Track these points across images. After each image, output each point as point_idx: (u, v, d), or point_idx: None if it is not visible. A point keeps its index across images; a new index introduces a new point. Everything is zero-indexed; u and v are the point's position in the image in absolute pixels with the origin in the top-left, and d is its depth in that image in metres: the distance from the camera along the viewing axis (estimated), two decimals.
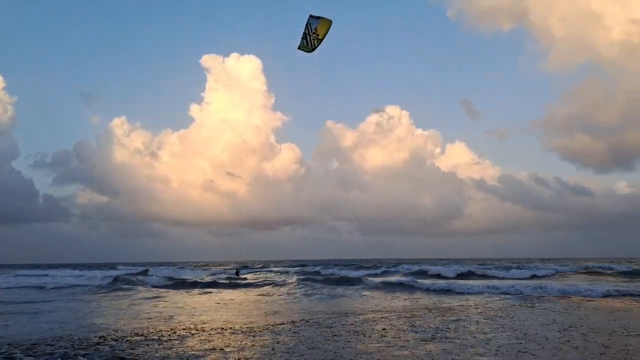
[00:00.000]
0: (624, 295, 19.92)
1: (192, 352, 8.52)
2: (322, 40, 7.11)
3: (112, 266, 68.61)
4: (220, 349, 8.82)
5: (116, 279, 34.30)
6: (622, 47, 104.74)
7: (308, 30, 7.20)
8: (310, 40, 7.20)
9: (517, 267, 43.91)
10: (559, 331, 10.75)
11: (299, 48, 7.20)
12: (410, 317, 13.56)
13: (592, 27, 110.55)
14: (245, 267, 62.14)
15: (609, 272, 38.28)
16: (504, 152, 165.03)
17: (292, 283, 29.47)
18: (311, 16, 7.21)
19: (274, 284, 30.13)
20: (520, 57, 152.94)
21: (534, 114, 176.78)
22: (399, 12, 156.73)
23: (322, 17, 7.27)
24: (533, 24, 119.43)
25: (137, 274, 43.83)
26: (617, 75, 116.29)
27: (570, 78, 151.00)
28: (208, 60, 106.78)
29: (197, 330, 11.32)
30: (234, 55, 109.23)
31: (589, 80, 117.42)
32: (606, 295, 19.80)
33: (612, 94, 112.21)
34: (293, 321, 12.86)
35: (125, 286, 29.97)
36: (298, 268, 54.90)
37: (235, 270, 43.48)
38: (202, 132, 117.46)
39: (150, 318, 14.21)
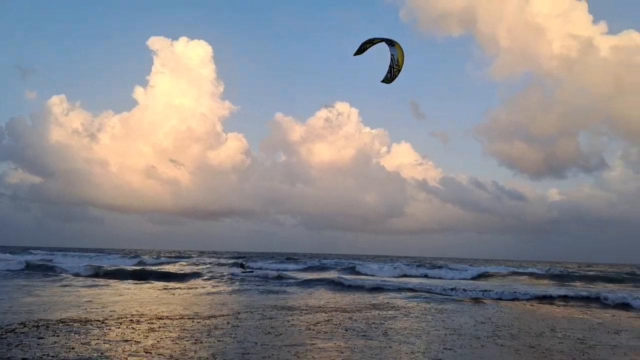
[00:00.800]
0: (552, 297, 20.43)
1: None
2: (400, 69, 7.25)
3: (30, 250, 63.69)
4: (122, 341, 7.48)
5: (28, 265, 32.31)
6: (561, 60, 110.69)
7: (392, 62, 7.35)
8: (393, 72, 7.31)
9: (448, 267, 44.68)
10: (486, 330, 10.39)
11: (382, 81, 7.29)
12: (330, 314, 12.81)
13: (535, 40, 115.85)
14: (180, 257, 59.66)
15: (538, 274, 39.58)
16: (447, 155, 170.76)
17: (214, 277, 28.27)
18: (388, 43, 7.20)
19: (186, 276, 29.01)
20: (468, 63, 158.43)
21: (478, 119, 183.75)
22: (354, 9, 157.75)
23: (396, 43, 7.44)
24: (481, 32, 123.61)
25: (50, 260, 40.94)
26: (555, 87, 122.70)
27: (513, 87, 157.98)
28: (155, 42, 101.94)
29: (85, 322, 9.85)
30: (183, 39, 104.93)
31: (530, 90, 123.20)
32: (536, 297, 20.17)
33: (549, 105, 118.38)
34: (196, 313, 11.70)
35: (33, 272, 27.59)
36: (232, 261, 53.35)
37: (240, 263, 39.66)
38: (146, 116, 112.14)
39: (47, 308, 12.52)
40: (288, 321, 11.76)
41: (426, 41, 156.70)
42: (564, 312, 16.57)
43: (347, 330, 10.53)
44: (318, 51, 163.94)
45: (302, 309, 14.49)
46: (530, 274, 38.28)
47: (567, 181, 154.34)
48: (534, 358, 8.39)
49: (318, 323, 11.50)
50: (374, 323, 11.86)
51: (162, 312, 12.89)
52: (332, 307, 15.26)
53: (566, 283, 32.74)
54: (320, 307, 15.35)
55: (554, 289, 24.66)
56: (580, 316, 15.34)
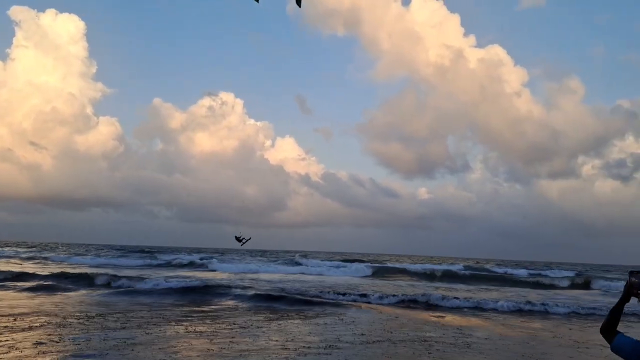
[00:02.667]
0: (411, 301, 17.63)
1: None
2: None
3: None
4: None
5: None
6: (435, 68, 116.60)
7: None
8: None
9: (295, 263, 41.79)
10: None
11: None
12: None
13: (413, 47, 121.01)
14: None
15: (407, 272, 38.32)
16: (329, 151, 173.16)
17: None
18: None
19: None
20: (351, 63, 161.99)
21: (359, 118, 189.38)
22: None
23: None
24: (365, 35, 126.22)
25: None
26: (429, 92, 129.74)
27: (391, 89, 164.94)
28: (18, 12, 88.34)
29: None
30: (51, 11, 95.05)
31: (406, 94, 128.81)
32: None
33: (423, 109, 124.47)
34: None
35: None
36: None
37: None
38: (3, 93, 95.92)
39: None
40: None
41: (312, 37, 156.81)
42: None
43: None
44: (202, 37, 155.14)
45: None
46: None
47: (435, 181, 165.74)
48: None
49: None
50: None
51: None
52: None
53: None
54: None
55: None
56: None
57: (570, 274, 40.43)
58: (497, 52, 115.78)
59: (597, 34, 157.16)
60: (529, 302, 17.23)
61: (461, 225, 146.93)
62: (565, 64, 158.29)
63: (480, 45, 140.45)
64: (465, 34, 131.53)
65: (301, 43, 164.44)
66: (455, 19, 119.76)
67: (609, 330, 2.59)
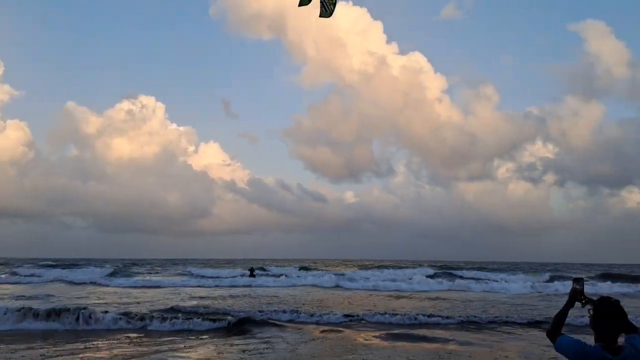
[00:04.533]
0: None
1: None
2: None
3: None
4: None
5: None
6: (360, 74, 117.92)
7: None
8: (327, 4, 5.53)
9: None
10: None
11: (321, 16, 5.56)
12: None
13: (338, 53, 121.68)
14: None
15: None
16: (255, 156, 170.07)
17: None
18: None
19: None
20: (277, 67, 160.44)
21: (285, 123, 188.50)
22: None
23: None
24: (290, 40, 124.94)
25: None
26: (354, 98, 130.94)
27: (318, 94, 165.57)
28: None
29: None
30: None
31: (332, 99, 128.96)
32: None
33: (349, 114, 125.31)
34: None
35: None
36: None
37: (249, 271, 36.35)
38: None
39: None
40: None
41: (237, 41, 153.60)
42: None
43: None
44: (122, 38, 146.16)
45: None
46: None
47: (362, 185, 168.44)
48: None
49: None
50: None
51: None
52: None
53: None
54: None
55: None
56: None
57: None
58: (418, 59, 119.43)
59: (508, 44, 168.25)
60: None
61: (387, 228, 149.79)
62: (481, 72, 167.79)
63: (402, 52, 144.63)
64: (388, 41, 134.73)
65: (226, 47, 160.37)
66: (378, 26, 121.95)
67: (553, 333, 2.92)
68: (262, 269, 43.47)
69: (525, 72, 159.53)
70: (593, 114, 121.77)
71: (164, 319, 13.28)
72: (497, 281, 31.61)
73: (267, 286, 28.26)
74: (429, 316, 14.55)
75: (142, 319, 13.33)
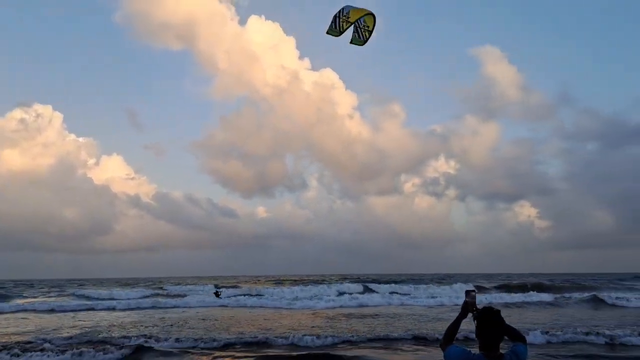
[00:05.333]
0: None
1: None
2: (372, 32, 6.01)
3: None
4: None
5: None
6: (273, 88, 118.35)
7: (359, 23, 5.94)
8: (362, 32, 5.99)
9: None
10: None
11: (352, 42, 6.08)
12: None
13: (251, 66, 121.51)
14: None
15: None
16: (162, 170, 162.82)
17: None
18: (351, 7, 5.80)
19: None
20: (187, 78, 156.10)
21: (195, 135, 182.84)
22: (62, 3, 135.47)
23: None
24: (200, 51, 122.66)
25: None
26: (267, 111, 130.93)
27: (230, 107, 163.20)
28: None
29: None
30: None
31: (245, 112, 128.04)
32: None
33: (262, 128, 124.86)
34: None
35: None
36: None
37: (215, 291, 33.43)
38: None
39: None
40: None
41: (144, 49, 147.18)
42: None
43: None
44: (15, 39, 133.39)
45: None
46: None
47: (274, 200, 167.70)
48: None
49: None
50: None
51: None
52: None
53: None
54: None
55: None
56: None
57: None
58: (329, 76, 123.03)
59: (415, 65, 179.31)
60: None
61: (299, 242, 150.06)
62: (389, 90, 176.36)
63: (314, 68, 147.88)
64: (301, 57, 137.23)
65: (132, 55, 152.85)
66: (291, 41, 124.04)
67: (445, 343, 3.03)
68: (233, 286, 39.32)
69: (429, 92, 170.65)
70: (490, 133, 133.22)
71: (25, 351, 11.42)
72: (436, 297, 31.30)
73: (179, 307, 26.50)
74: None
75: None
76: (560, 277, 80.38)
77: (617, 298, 26.82)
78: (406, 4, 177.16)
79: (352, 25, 6.12)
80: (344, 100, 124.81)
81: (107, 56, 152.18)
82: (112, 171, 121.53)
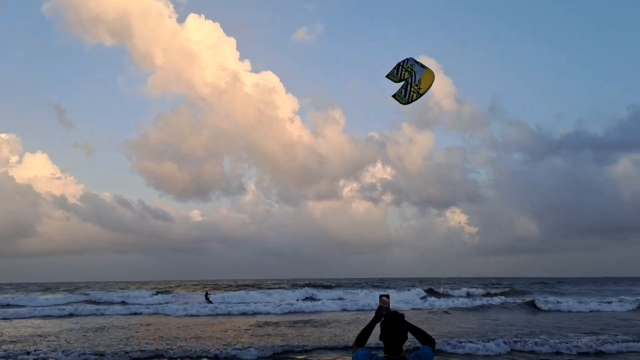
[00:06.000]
0: None
1: None
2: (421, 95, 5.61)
3: None
4: None
5: None
6: (212, 88, 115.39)
7: (411, 79, 5.56)
8: (410, 92, 5.57)
9: None
10: None
11: (393, 96, 5.58)
12: None
13: (189, 65, 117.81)
14: None
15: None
16: (91, 169, 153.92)
17: None
18: (415, 61, 5.52)
19: None
20: (122, 75, 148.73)
21: (128, 134, 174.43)
22: None
23: (428, 68, 5.63)
24: (136, 48, 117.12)
25: None
26: (206, 112, 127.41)
27: (166, 106, 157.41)
28: None
29: None
30: None
31: (182, 112, 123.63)
32: None
33: (199, 128, 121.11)
34: None
35: None
36: None
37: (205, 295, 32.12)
38: None
39: None
40: None
41: (75, 44, 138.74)
42: None
43: None
44: None
45: None
46: None
47: (210, 203, 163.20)
48: None
49: None
50: None
51: None
52: None
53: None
54: None
55: None
56: None
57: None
58: (271, 78, 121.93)
59: (354, 71, 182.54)
60: None
61: (235, 247, 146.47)
62: (330, 95, 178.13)
63: (255, 70, 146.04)
64: (241, 58, 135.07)
65: (61, 49, 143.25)
66: (232, 42, 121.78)
67: (355, 345, 3.20)
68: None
69: (369, 99, 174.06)
70: (425, 142, 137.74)
71: None
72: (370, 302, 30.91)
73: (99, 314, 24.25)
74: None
75: None
76: (487, 280, 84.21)
77: (549, 302, 27.59)
78: (348, 11, 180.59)
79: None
80: (285, 103, 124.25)
81: (34, 49, 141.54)
82: (37, 170, 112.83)
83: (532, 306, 26.96)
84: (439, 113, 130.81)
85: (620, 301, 28.39)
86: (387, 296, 3.32)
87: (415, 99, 5.84)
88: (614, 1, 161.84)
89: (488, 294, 38.90)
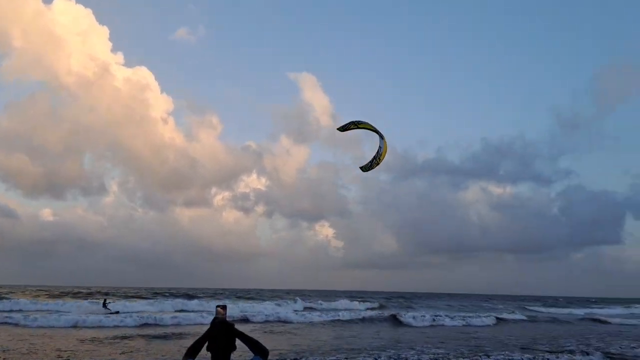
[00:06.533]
0: None
1: None
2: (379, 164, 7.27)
3: None
4: None
5: None
6: (78, 77, 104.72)
7: (377, 154, 7.26)
8: (373, 163, 7.25)
9: None
10: None
11: (360, 168, 7.27)
12: None
13: (53, 50, 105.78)
14: None
15: None
16: None
17: None
18: (378, 135, 7.19)
19: None
20: None
21: None
22: None
23: (384, 138, 7.37)
24: None
25: None
26: (68, 103, 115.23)
27: (21, 92, 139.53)
28: None
29: None
30: None
31: (40, 100, 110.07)
32: None
33: (59, 120, 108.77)
34: None
35: None
36: None
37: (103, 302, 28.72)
38: None
39: None
40: None
41: None
42: None
43: None
44: None
45: None
46: None
47: (65, 202, 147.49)
48: None
49: None
50: None
51: None
52: None
53: None
54: None
55: None
56: None
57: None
58: (145, 75, 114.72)
59: (235, 78, 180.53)
60: None
61: (89, 251, 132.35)
62: (208, 100, 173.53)
63: (128, 64, 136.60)
64: (114, 50, 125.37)
65: None
66: (104, 31, 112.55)
67: (186, 355, 3.15)
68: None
69: (248, 107, 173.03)
70: (301, 155, 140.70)
71: None
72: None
73: None
74: None
75: None
76: (349, 293, 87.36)
77: (411, 317, 28.73)
78: (232, 16, 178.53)
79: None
80: (158, 103, 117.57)
81: None
82: None
83: (394, 320, 27.88)
84: (317, 128, 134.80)
85: (486, 317, 31.15)
86: (224, 307, 3.34)
87: (374, 167, 7.21)
88: (466, 47, 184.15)
89: (351, 309, 39.62)
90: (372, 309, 39.89)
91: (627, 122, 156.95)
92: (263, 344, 3.48)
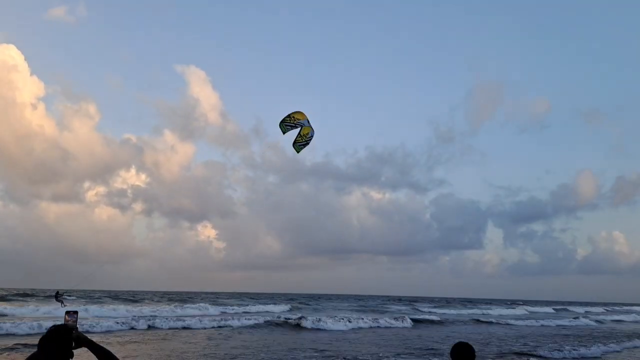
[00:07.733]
0: None
1: None
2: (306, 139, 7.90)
3: None
4: None
5: None
6: None
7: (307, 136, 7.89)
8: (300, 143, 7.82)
9: None
10: None
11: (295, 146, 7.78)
12: None
13: None
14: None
15: None
16: None
17: None
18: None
19: None
20: None
21: None
22: None
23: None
24: None
25: None
26: None
27: None
28: None
29: None
30: None
31: None
32: None
33: None
34: None
35: None
36: None
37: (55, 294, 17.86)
38: None
39: None
40: None
41: None
42: None
43: None
44: None
45: None
46: None
47: None
48: None
49: None
50: None
51: None
52: None
53: None
54: None
55: None
56: None
57: None
58: (13, 54, 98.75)
59: (114, 63, 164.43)
60: None
61: None
62: (84, 87, 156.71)
63: None
64: None
65: None
66: None
67: None
68: None
69: (130, 98, 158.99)
70: (186, 152, 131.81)
71: None
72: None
73: None
74: None
75: None
76: (232, 295, 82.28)
77: (316, 322, 25.23)
78: (118, 1, 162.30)
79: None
80: (27, 86, 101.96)
81: None
82: None
83: (296, 326, 24.24)
84: (204, 125, 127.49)
85: (396, 319, 29.75)
86: (75, 312, 2.74)
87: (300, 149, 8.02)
88: (356, 59, 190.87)
89: (242, 313, 35.38)
90: (265, 312, 35.90)
91: (492, 138, 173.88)
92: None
